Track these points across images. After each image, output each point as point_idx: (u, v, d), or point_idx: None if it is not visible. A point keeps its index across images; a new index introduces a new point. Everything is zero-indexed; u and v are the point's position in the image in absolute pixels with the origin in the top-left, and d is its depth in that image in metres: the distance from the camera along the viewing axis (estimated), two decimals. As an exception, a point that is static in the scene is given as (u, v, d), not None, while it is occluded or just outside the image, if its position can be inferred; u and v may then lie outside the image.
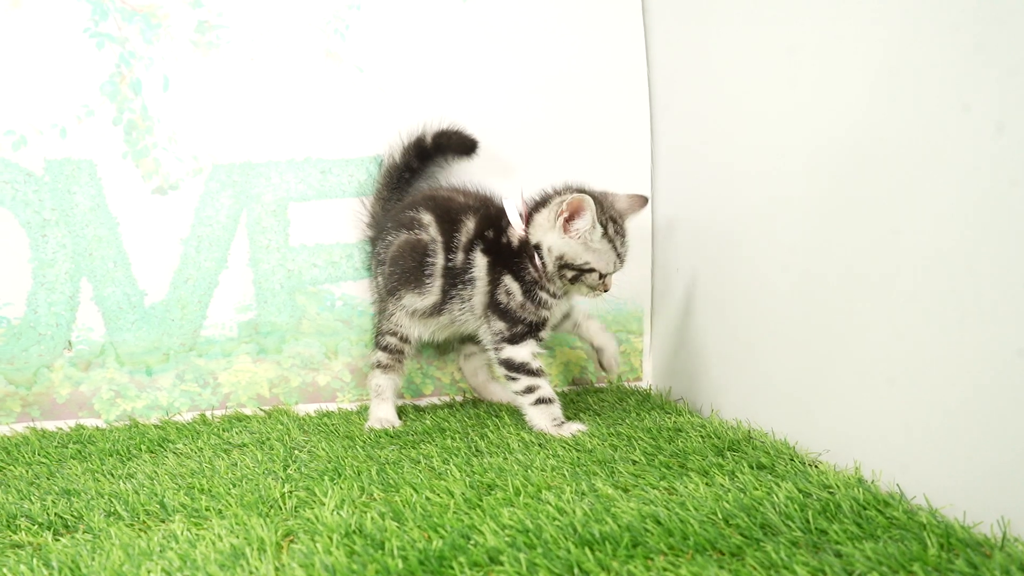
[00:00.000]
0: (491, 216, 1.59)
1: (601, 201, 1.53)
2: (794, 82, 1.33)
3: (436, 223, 1.60)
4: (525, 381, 1.54)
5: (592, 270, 1.52)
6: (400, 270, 1.62)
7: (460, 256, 1.58)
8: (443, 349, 1.84)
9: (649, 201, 1.61)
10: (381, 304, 1.69)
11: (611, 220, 1.53)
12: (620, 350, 1.86)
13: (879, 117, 1.13)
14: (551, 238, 1.52)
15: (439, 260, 1.59)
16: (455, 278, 1.58)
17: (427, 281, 1.60)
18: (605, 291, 1.56)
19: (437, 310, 1.61)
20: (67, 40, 1.70)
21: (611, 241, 1.53)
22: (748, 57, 1.46)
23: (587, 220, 1.49)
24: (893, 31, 1.10)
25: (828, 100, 1.24)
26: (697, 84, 1.67)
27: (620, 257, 1.55)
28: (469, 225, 1.59)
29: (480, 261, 1.57)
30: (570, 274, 1.53)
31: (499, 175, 1.74)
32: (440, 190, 1.69)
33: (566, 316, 1.67)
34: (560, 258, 1.52)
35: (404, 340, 1.67)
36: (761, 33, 1.41)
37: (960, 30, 0.99)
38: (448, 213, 1.61)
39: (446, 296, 1.60)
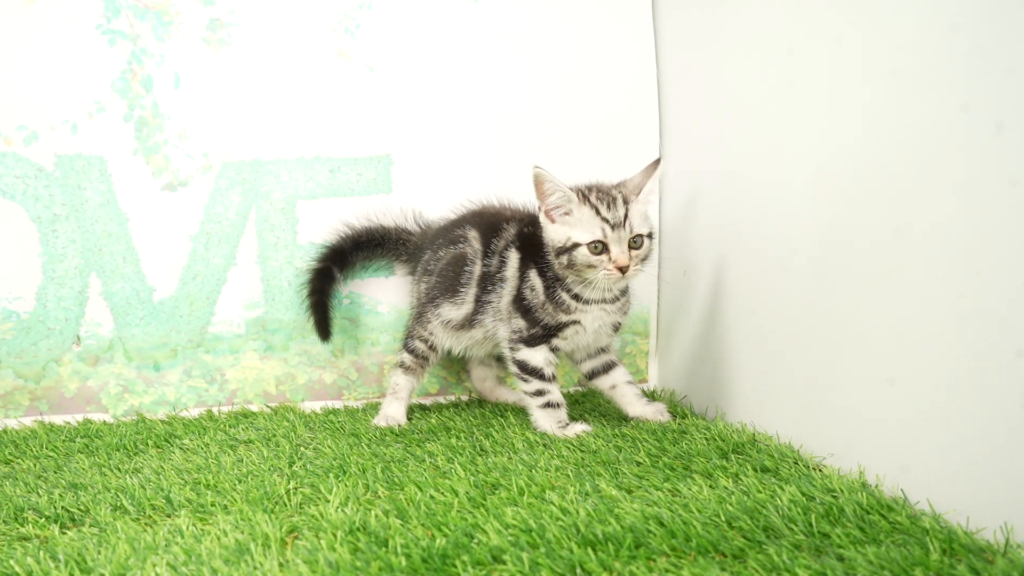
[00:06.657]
0: (534, 222, 1.57)
1: (588, 187, 1.48)
2: (799, 84, 1.33)
3: (479, 236, 1.62)
4: (536, 384, 1.54)
5: (578, 244, 1.45)
6: (442, 280, 1.64)
7: (495, 260, 1.59)
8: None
9: (660, 161, 1.51)
10: (420, 309, 1.70)
11: (594, 189, 1.47)
12: (625, 351, 1.87)
13: (880, 118, 1.13)
14: (545, 229, 1.51)
15: (476, 268, 1.61)
16: (487, 282, 1.59)
17: (462, 291, 1.61)
18: (619, 270, 1.43)
19: (469, 322, 1.62)
20: (79, 37, 1.71)
21: (593, 207, 1.45)
22: (756, 60, 1.46)
23: (549, 189, 1.46)
24: (893, 32, 1.10)
25: (831, 102, 1.24)
26: (706, 87, 1.67)
27: (610, 222, 1.43)
28: (510, 231, 1.59)
29: (513, 257, 1.57)
30: (565, 260, 1.47)
31: (506, 177, 1.74)
32: (489, 207, 1.69)
33: (596, 355, 1.61)
34: (553, 246, 1.49)
35: (432, 348, 1.68)
36: (768, 37, 1.41)
37: (960, 30, 0.99)
38: (491, 225, 1.62)
39: (478, 305, 1.60)
